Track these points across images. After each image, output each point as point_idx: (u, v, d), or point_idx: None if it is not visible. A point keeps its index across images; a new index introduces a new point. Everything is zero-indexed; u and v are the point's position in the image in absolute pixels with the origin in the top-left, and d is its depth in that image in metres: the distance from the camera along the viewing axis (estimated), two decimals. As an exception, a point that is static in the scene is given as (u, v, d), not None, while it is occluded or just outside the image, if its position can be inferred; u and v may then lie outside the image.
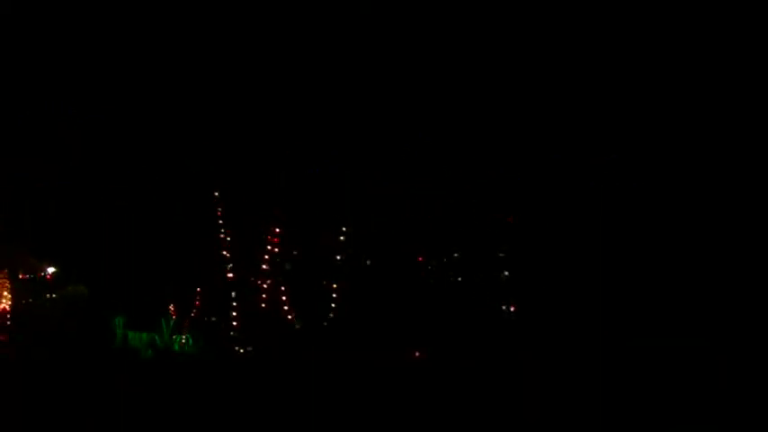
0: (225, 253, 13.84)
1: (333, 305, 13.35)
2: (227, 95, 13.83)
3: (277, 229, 13.51)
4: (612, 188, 12.41)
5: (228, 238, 13.78)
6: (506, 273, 12.81)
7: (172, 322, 13.84)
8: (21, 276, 15.14)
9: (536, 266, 12.79)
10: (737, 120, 12.20)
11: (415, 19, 13.24)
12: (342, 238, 13.39)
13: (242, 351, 13.46)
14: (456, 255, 13.20)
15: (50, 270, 15.23)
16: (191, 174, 14.00)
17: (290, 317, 13.47)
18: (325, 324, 13.33)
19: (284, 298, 13.51)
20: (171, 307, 13.94)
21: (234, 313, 13.59)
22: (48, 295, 15.13)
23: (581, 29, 12.80)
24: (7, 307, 14.85)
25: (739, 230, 11.90)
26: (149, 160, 14.37)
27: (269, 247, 13.56)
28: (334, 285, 13.34)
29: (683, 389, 10.44)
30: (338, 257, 13.36)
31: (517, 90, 13.05)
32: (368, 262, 13.36)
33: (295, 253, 13.74)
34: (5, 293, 14.88)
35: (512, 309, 12.62)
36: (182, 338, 13.66)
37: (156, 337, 13.69)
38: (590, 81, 12.77)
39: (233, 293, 13.64)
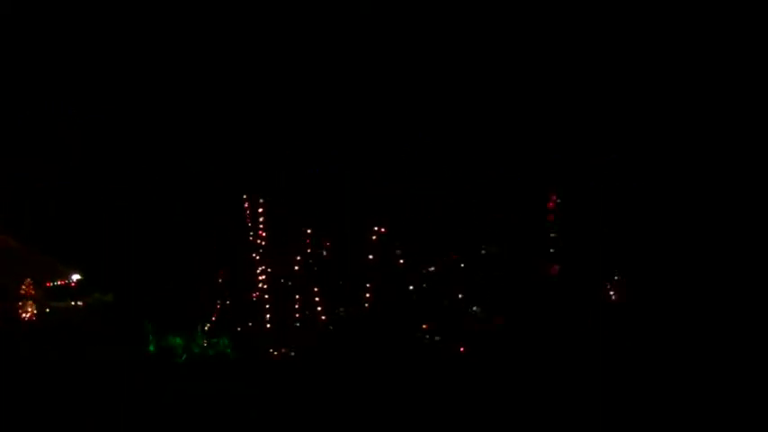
0: (254, 255, 13.82)
1: (366, 305, 13.30)
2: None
3: (308, 230, 13.50)
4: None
5: (258, 240, 13.76)
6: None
7: (206, 326, 13.79)
8: (47, 285, 15.04)
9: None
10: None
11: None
12: (373, 237, 13.37)
13: (276, 353, 13.42)
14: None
15: (75, 277, 15.13)
16: (218, 174, 13.99)
17: (323, 317, 13.43)
18: (358, 324, 13.29)
19: (317, 299, 13.47)
20: (204, 310, 13.90)
21: (267, 315, 13.56)
22: (73, 303, 15.03)
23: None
24: (33, 315, 14.74)
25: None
26: (172, 160, 14.35)
27: (300, 248, 13.54)
28: (368, 285, 13.30)
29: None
30: (370, 257, 13.33)
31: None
32: (400, 261, 13.33)
33: (325, 253, 13.72)
34: (31, 302, 14.77)
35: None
36: (217, 342, 13.60)
37: (191, 341, 13.64)
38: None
39: (265, 295, 13.61)
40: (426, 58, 13.33)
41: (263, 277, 13.69)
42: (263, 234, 13.72)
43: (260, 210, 13.75)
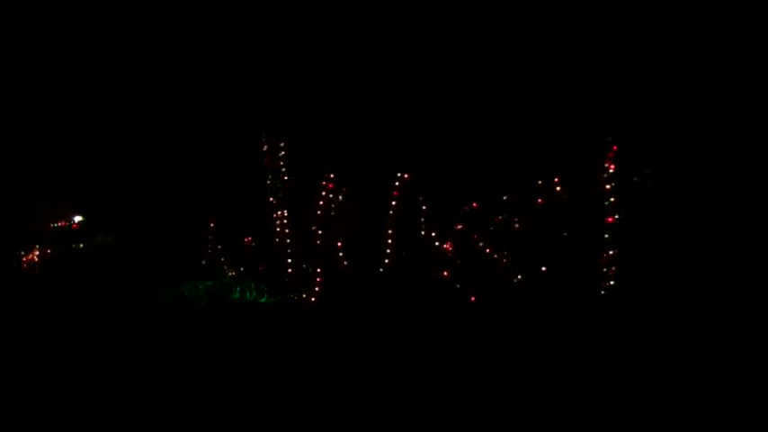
0: (272, 200, 13.57)
1: (388, 251, 13.20)
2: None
3: (332, 175, 13.29)
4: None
5: (279, 185, 13.51)
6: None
7: (230, 271, 13.56)
8: (48, 227, 14.58)
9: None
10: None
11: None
12: (396, 183, 13.23)
13: (296, 298, 13.28)
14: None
15: (77, 219, 14.68)
16: (236, 118, 13.67)
17: (344, 263, 13.31)
18: (381, 270, 13.19)
19: (339, 244, 13.33)
20: (228, 255, 13.65)
21: (289, 260, 13.37)
22: (74, 245, 14.62)
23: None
24: (35, 257, 14.31)
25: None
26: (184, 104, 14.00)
27: (323, 193, 13.33)
28: (390, 231, 13.18)
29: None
30: (393, 203, 13.21)
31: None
32: (423, 207, 13.23)
33: (342, 197, 13.55)
34: (34, 246, 14.32)
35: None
36: (241, 287, 13.41)
37: (214, 286, 13.41)
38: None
39: (287, 240, 13.40)
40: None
41: (283, 222, 13.46)
42: (283, 177, 13.46)
43: (280, 153, 13.45)
